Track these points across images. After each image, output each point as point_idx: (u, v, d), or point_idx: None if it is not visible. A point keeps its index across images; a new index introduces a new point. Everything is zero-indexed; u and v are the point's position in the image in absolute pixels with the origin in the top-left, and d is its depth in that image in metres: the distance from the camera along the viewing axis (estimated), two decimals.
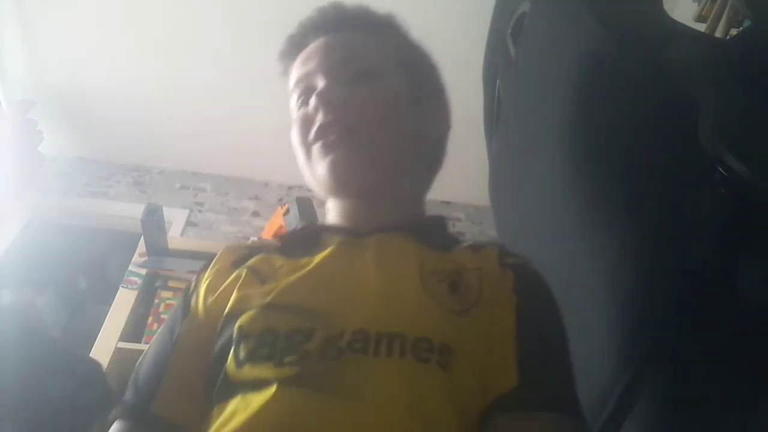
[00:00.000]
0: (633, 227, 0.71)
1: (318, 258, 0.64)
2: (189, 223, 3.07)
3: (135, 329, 1.70)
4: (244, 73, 2.69)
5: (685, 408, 0.64)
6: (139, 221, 1.76)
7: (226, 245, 0.74)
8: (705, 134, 0.61)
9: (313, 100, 0.67)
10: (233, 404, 0.55)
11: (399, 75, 0.72)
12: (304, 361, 0.54)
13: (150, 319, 1.73)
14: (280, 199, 3.24)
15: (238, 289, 0.64)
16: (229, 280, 0.66)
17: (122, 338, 1.63)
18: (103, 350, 1.58)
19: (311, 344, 0.55)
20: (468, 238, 0.74)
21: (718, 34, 1.28)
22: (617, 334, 0.68)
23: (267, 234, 1.91)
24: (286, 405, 0.52)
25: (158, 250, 1.81)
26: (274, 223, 1.89)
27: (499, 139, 1.21)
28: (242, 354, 0.57)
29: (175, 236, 2.73)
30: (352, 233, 0.68)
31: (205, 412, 0.58)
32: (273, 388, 0.53)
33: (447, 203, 3.25)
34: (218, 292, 0.66)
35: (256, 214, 3.18)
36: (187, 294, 0.69)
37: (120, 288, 1.76)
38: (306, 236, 0.72)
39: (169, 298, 1.77)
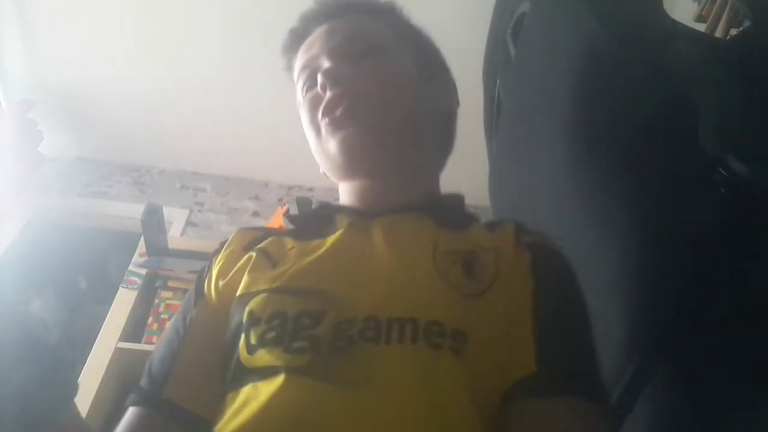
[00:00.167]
0: (633, 226, 0.71)
1: (330, 240, 0.63)
2: (189, 223, 3.07)
3: (135, 329, 1.70)
4: (244, 73, 2.69)
5: (692, 398, 0.63)
6: (139, 221, 1.76)
7: (239, 228, 0.73)
8: (705, 134, 0.61)
9: (319, 79, 0.66)
10: (244, 393, 0.54)
11: (403, 51, 0.71)
12: (313, 350, 0.53)
13: (150, 319, 1.73)
14: (280, 199, 3.24)
15: (249, 271, 0.63)
16: (240, 263, 0.65)
17: (122, 338, 1.63)
18: (103, 350, 1.58)
19: (321, 329, 0.54)
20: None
21: (718, 34, 1.28)
22: (628, 319, 0.68)
23: None
24: (294, 396, 0.51)
25: (158, 250, 1.81)
26: (274, 223, 1.89)
27: (499, 138, 1.21)
28: (253, 339, 0.56)
29: (175, 236, 2.73)
30: (364, 214, 0.66)
31: (221, 398, 0.57)
32: (281, 378, 0.52)
33: None
34: (230, 275, 0.65)
35: (256, 214, 3.18)
36: (201, 278, 0.69)
37: (120, 288, 1.76)
38: (318, 217, 0.70)
39: (169, 298, 1.77)
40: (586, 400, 0.53)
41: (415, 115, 0.69)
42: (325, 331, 0.54)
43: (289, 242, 0.66)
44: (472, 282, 0.58)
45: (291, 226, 0.72)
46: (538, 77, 0.99)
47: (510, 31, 1.12)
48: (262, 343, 0.55)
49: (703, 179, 0.61)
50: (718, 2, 1.33)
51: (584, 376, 0.55)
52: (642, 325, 0.66)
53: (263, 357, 0.55)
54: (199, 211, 3.16)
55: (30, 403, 0.51)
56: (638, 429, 0.65)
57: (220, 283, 0.65)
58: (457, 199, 0.73)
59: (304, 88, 0.70)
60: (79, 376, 1.53)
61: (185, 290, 1.73)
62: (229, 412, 0.54)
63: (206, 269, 0.69)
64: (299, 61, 0.72)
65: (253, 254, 0.65)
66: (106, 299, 1.81)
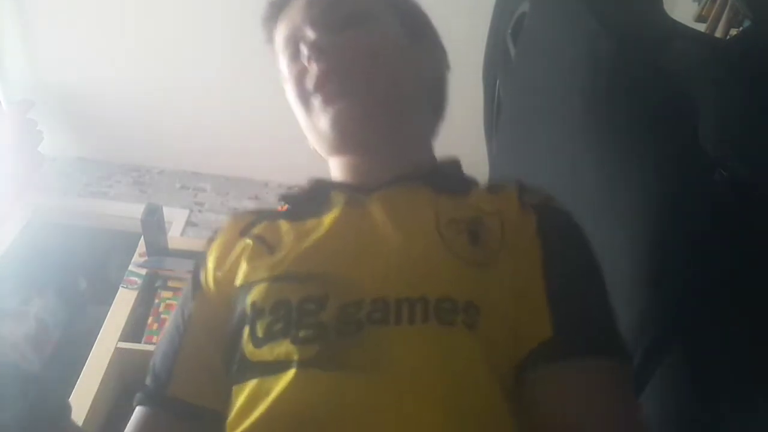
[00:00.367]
0: (634, 227, 0.71)
1: (327, 220, 0.61)
2: (189, 223, 3.07)
3: (135, 329, 1.70)
4: (244, 73, 2.69)
5: (692, 397, 0.63)
6: (139, 221, 1.76)
7: (232, 214, 0.71)
8: (705, 134, 0.61)
9: (304, 51, 0.63)
10: (251, 389, 0.53)
11: (389, 15, 0.68)
12: (321, 339, 0.52)
13: (150, 319, 1.73)
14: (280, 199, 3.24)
15: (247, 260, 0.61)
16: (236, 251, 0.64)
17: (122, 338, 1.63)
18: (103, 350, 1.58)
19: (326, 314, 0.53)
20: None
21: (718, 34, 1.28)
22: (629, 320, 0.67)
23: None
24: (306, 390, 0.50)
25: (158, 250, 1.81)
26: None
27: (499, 138, 1.21)
28: (259, 332, 0.55)
29: (175, 236, 2.73)
30: (360, 189, 0.64)
31: (228, 388, 0.56)
32: (292, 373, 0.50)
33: None
34: (227, 264, 0.64)
35: None
36: (197, 270, 0.67)
37: (120, 288, 1.76)
38: (312, 195, 0.67)
39: (169, 298, 1.77)
40: (609, 358, 0.52)
41: (405, 82, 0.67)
42: (331, 316, 0.52)
43: (284, 225, 0.64)
44: (480, 250, 0.56)
45: (286, 206, 0.70)
46: (538, 77, 0.99)
47: (510, 31, 1.12)
48: (270, 335, 0.54)
49: (703, 179, 0.61)
50: (718, 2, 1.33)
51: (603, 335, 0.53)
52: (642, 326, 0.66)
53: (271, 351, 0.53)
54: (199, 211, 3.15)
55: None
56: None
57: (218, 273, 0.64)
58: (454, 164, 0.70)
59: (289, 58, 0.67)
60: (77, 381, 1.53)
61: None
62: (238, 408, 0.53)
63: (202, 260, 0.67)
64: (281, 32, 0.69)
65: (250, 241, 0.63)
66: (106, 299, 1.82)
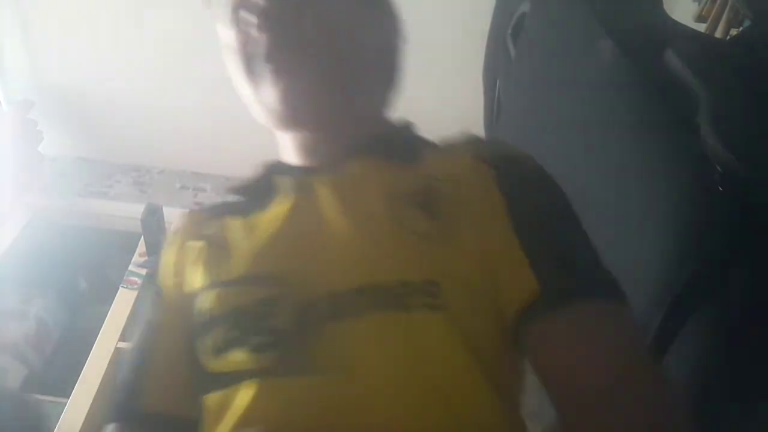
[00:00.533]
0: (635, 228, 0.71)
1: (274, 213, 0.58)
2: None
3: (135, 329, 1.70)
4: None
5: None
6: (139, 221, 1.76)
7: (182, 215, 0.68)
8: (704, 134, 0.61)
9: (249, 17, 0.58)
10: (215, 401, 0.51)
11: None
12: (278, 345, 0.49)
13: None
14: None
15: (202, 264, 0.59)
16: (191, 256, 0.62)
17: (122, 338, 1.63)
18: (103, 350, 1.58)
19: (282, 317, 0.50)
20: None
21: (718, 34, 1.28)
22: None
23: None
24: (271, 401, 0.48)
25: (158, 250, 1.81)
26: None
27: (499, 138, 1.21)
28: (216, 341, 0.53)
29: None
30: (307, 170, 0.61)
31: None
32: (253, 386, 0.48)
33: None
34: (183, 270, 0.62)
35: None
36: (156, 276, 0.65)
37: (120, 288, 1.76)
38: (257, 185, 0.64)
39: None
40: (601, 297, 0.51)
41: (357, 54, 0.62)
42: (287, 319, 0.50)
43: (233, 222, 0.61)
44: (436, 222, 0.53)
45: (235, 199, 0.67)
46: (539, 77, 0.99)
47: (510, 32, 1.12)
48: (226, 344, 0.52)
49: (703, 179, 0.61)
50: (718, 2, 1.33)
51: (591, 276, 0.52)
52: (643, 326, 0.66)
53: (229, 361, 0.51)
54: None
55: None
56: None
57: (177, 279, 0.62)
58: (405, 128, 0.66)
59: (232, 24, 0.62)
60: (77, 381, 1.53)
61: None
62: (206, 424, 0.51)
63: (162, 265, 0.65)
64: None
65: (203, 245, 0.61)
66: (106, 299, 1.81)
